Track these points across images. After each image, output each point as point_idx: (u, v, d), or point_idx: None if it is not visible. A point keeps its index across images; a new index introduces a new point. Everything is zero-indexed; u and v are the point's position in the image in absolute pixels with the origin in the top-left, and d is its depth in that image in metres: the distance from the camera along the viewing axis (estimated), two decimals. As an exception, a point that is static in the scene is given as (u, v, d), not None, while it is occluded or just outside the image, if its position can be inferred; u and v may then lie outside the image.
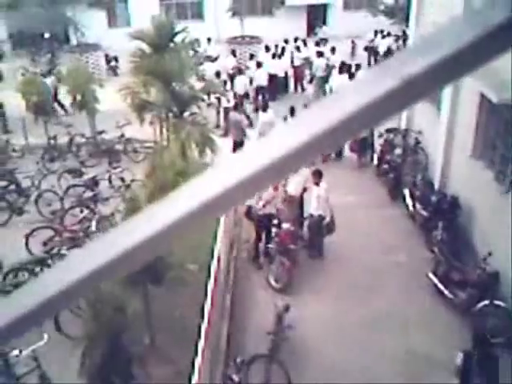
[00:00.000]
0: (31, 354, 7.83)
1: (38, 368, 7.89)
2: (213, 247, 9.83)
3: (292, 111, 14.44)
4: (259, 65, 19.85)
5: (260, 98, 19.13)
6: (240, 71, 20.15)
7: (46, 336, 7.95)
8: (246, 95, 19.35)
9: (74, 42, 27.52)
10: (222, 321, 9.52)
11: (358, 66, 18.92)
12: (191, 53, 15.15)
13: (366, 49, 25.59)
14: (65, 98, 16.15)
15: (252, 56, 21.64)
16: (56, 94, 18.94)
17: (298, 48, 22.43)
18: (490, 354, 7.45)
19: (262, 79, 19.78)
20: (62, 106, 18.95)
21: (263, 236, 11.09)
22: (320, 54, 20.49)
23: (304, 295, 10.09)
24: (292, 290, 10.18)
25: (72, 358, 8.26)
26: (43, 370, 7.86)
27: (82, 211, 11.83)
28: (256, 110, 16.10)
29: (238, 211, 12.44)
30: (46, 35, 27.38)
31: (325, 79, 19.12)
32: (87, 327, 7.90)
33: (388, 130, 14.56)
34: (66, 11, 25.60)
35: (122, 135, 15.63)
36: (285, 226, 10.47)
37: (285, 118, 14.05)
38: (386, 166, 13.81)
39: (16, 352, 7.79)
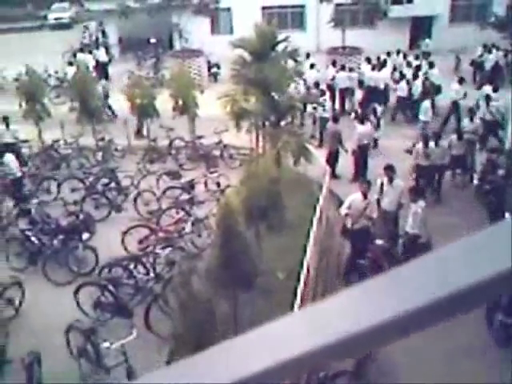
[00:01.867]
0: (120, 348, 8.08)
1: (126, 362, 8.12)
2: (302, 258, 9.78)
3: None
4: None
5: (358, 109, 18.92)
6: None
7: (135, 332, 8.19)
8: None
9: (177, 47, 28.41)
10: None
11: (462, 80, 18.40)
12: (291, 62, 15.15)
13: (471, 64, 24.63)
14: (167, 101, 16.63)
15: (343, 67, 21.38)
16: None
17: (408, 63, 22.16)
18: None
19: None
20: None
21: (355, 251, 10.90)
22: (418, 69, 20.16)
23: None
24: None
25: (159, 355, 8.50)
26: (130, 364, 8.08)
27: (177, 213, 12.15)
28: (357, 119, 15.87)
29: (331, 222, 12.33)
30: (152, 40, 28.50)
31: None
32: (176, 327, 8.07)
33: (491, 150, 13.93)
34: (171, 18, 26.52)
35: (220, 141, 15.93)
36: (378, 242, 10.24)
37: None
38: (487, 187, 13.21)
39: (107, 344, 8.09)
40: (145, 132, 17.88)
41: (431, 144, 13.55)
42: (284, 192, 10.78)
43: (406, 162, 13.92)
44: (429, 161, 13.42)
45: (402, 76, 20.23)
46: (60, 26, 40.77)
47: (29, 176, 14.75)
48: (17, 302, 10.07)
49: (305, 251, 9.98)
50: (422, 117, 17.14)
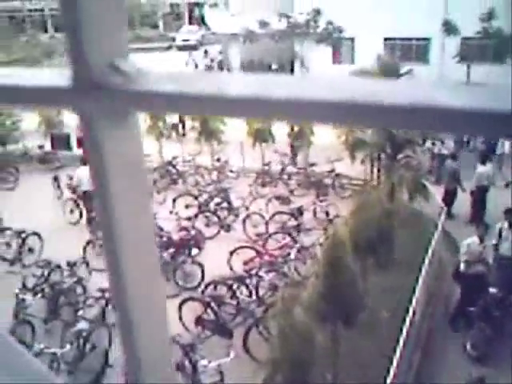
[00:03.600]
0: (217, 368, 8.14)
1: (221, 382, 8.16)
2: (409, 297, 9.44)
3: None
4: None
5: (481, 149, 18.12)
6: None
7: (232, 353, 8.22)
8: (467, 143, 18.47)
9: (297, 74, 28.78)
10: (407, 376, 9.02)
11: None
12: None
13: None
14: (283, 127, 16.84)
15: None
16: None
17: None
18: None
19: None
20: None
21: (466, 296, 10.34)
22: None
23: (504, 370, 9.14)
24: (490, 361, 9.29)
25: (254, 379, 8.47)
26: (225, 384, 8.13)
27: (284, 238, 12.16)
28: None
29: (443, 264, 11.84)
30: (274, 66, 29.10)
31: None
32: (273, 352, 8.01)
33: None
34: (294, 45, 26.96)
35: (332, 170, 15.83)
36: (492, 290, 9.65)
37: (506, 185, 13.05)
38: None
39: (205, 362, 8.18)
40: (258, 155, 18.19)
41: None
42: (396, 227, 10.48)
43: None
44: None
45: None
46: (187, 48, 42.78)
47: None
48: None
49: (412, 291, 9.62)
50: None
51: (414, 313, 8.97)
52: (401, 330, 8.57)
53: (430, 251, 10.81)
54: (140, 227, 0.74)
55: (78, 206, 14.79)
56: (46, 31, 52.07)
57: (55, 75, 0.68)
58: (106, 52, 0.63)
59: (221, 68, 31.70)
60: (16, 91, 0.71)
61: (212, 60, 34.76)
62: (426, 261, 10.45)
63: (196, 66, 34.04)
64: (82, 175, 13.91)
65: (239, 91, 0.56)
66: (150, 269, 0.76)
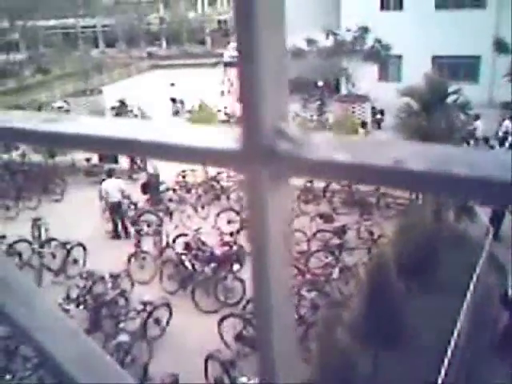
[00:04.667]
0: (256, 385, 8.08)
1: (260, 400, 8.07)
2: (453, 321, 9.19)
3: None
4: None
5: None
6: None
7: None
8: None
9: (343, 91, 28.65)
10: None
11: None
12: (461, 115, 14.56)
13: None
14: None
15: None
16: None
17: None
18: None
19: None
20: None
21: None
22: None
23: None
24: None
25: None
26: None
27: (326, 257, 12.03)
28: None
29: (489, 287, 11.51)
30: (320, 83, 29.03)
31: None
32: (313, 373, 7.90)
33: None
34: (341, 62, 26.88)
35: (377, 188, 15.62)
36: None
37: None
38: None
39: (244, 379, 8.15)
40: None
41: None
42: (441, 249, 10.26)
43: None
44: None
45: None
46: (233, 64, 43.18)
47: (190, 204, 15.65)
48: (164, 323, 10.52)
49: (457, 314, 9.36)
50: None
51: (458, 337, 8.72)
52: (444, 354, 8.33)
53: (475, 274, 10.52)
54: (281, 272, 0.80)
55: (123, 218, 15.13)
56: (97, 46, 53.57)
57: (221, 136, 0.72)
58: (273, 117, 0.66)
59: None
60: (186, 150, 0.75)
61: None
62: (472, 284, 10.17)
63: (232, 85, 34.18)
64: (108, 187, 14.74)
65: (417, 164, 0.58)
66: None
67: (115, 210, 14.89)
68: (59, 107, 28.16)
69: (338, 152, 0.61)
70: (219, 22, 58.20)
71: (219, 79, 35.57)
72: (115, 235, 14.86)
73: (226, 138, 0.71)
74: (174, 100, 29.52)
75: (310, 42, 26.93)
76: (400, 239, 10.75)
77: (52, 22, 52.44)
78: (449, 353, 8.18)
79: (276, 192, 0.69)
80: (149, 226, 13.97)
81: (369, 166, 0.59)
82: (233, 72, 37.42)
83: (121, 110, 27.58)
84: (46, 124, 0.87)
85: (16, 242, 12.86)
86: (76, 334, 1.23)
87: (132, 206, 15.43)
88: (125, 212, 15.11)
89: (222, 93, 31.64)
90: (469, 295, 9.87)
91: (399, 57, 30.49)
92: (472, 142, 17.78)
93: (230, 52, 46.53)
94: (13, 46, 47.88)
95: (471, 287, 10.12)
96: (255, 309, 0.82)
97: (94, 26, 57.02)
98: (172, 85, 30.40)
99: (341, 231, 12.98)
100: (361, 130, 16.99)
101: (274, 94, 0.66)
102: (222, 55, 46.75)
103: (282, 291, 0.79)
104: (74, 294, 10.83)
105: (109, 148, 1.04)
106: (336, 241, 12.71)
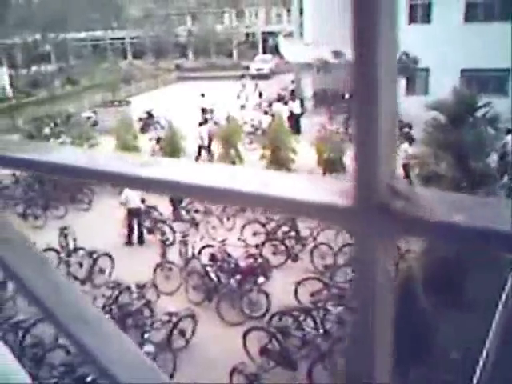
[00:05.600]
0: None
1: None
2: (482, 339, 9.02)
3: None
4: None
5: None
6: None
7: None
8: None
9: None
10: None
11: None
12: (491, 129, 14.35)
13: None
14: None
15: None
16: None
17: None
18: None
19: None
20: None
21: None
22: None
23: None
24: None
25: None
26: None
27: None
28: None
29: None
30: (346, 96, 28.96)
31: None
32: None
33: None
34: (368, 76, 26.82)
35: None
36: None
37: None
38: None
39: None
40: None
41: None
42: (470, 266, 10.10)
43: None
44: None
45: None
46: (259, 77, 43.39)
47: (215, 215, 15.68)
48: (188, 334, 10.52)
49: (486, 333, 9.18)
50: None
51: (487, 355, 8.55)
52: (472, 372, 8.17)
53: (505, 292, 10.33)
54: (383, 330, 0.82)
55: (140, 225, 15.42)
56: (125, 58, 54.28)
57: (327, 191, 0.70)
58: (386, 173, 0.65)
59: (292, 96, 31.91)
60: (292, 203, 0.73)
61: (260, 94, 34.96)
62: (501, 301, 9.98)
63: (246, 100, 34.32)
64: (129, 193, 14.92)
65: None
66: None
67: (133, 217, 15.10)
68: (88, 117, 28.53)
69: (455, 213, 0.59)
70: (247, 34, 58.58)
71: (238, 92, 35.83)
72: (129, 241, 15.04)
73: (332, 193, 0.69)
74: (204, 110, 29.69)
75: (337, 54, 26.95)
76: (428, 255, 10.61)
77: (82, 35, 53.39)
78: (478, 371, 8.02)
79: (386, 250, 0.68)
80: (174, 236, 14.04)
81: (489, 230, 0.57)
82: (260, 84, 37.69)
83: (148, 121, 27.87)
84: (143, 169, 0.88)
85: (43, 251, 12.99)
86: (118, 334, 1.24)
87: (156, 214, 15.57)
88: (143, 220, 15.27)
89: (242, 107, 31.72)
90: (497, 313, 9.69)
91: (427, 70, 30.30)
92: (504, 156, 17.54)
93: (257, 64, 46.88)
94: (45, 57, 48.81)
95: (500, 304, 9.94)
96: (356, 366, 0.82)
97: (123, 38, 57.84)
98: (202, 95, 30.61)
99: (367, 245, 12.84)
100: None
101: (387, 150, 0.65)
102: (248, 68, 47.09)
103: (384, 351, 0.80)
104: (99, 304, 10.90)
105: (202, 196, 1.01)
106: (362, 255, 12.59)
